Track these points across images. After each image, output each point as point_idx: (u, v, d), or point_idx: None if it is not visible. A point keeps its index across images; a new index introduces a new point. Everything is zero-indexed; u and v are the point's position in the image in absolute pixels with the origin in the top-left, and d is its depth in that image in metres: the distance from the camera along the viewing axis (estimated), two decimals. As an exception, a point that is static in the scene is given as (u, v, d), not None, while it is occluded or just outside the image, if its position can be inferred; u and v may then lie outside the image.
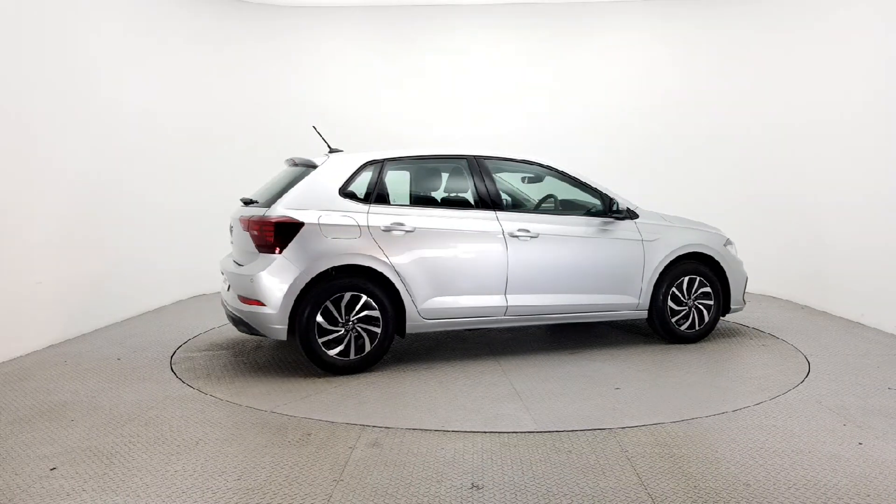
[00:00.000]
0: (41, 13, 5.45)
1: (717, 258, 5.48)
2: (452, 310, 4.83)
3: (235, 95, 8.25)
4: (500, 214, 4.99)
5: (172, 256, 7.40)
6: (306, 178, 4.75)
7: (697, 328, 5.46)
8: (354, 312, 4.57)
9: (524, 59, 8.51)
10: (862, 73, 6.28)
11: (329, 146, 5.36)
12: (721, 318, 5.71)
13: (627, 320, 5.81)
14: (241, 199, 5.13)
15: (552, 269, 5.04)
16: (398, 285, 4.64)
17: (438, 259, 4.77)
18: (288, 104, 8.39)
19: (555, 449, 3.33)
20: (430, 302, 4.76)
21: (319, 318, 4.49)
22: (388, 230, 4.67)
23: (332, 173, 4.77)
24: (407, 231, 4.71)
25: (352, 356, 4.59)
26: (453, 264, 4.82)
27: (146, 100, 7.05)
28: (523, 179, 5.59)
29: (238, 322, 4.75)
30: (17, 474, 3.06)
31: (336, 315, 4.54)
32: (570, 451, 3.29)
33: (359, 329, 4.60)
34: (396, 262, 4.64)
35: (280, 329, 4.46)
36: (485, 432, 3.56)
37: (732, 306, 5.58)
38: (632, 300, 5.26)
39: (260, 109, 8.35)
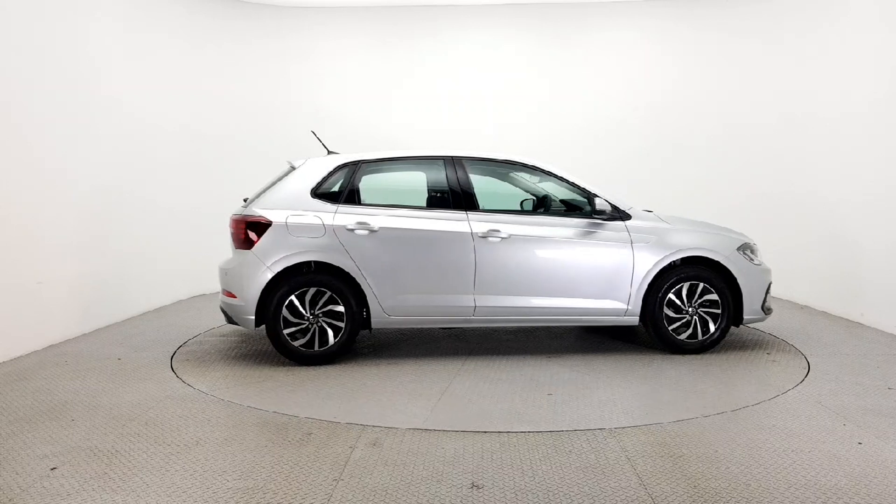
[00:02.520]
0: (41, 15, 5.45)
1: (724, 263, 5.04)
2: (418, 308, 4.94)
3: (236, 96, 8.24)
4: (472, 215, 4.98)
5: (173, 256, 7.41)
6: (283, 180, 5.09)
7: (701, 338, 5.08)
8: (319, 307, 4.83)
9: (524, 60, 8.50)
10: (862, 73, 6.27)
11: (328, 149, 5.50)
12: (736, 327, 5.31)
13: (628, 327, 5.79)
14: (244, 199, 5.30)
15: (524, 271, 4.96)
16: (361, 282, 4.84)
17: (403, 258, 4.91)
18: (289, 104, 8.39)
19: (555, 449, 3.33)
20: (395, 299, 4.89)
21: (285, 311, 4.78)
22: (352, 230, 4.85)
23: (306, 175, 5.04)
24: (371, 231, 4.86)
25: (316, 348, 4.85)
26: (418, 264, 4.92)
27: (146, 100, 7.04)
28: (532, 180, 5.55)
29: (224, 312, 5.12)
30: (17, 474, 3.06)
31: (301, 309, 4.82)
32: (570, 451, 3.29)
33: (323, 323, 4.85)
34: (360, 260, 4.83)
35: (250, 319, 4.84)
36: (485, 432, 3.56)
37: (746, 316, 5.09)
38: (619, 305, 5.00)
39: (260, 110, 8.35)
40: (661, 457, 3.22)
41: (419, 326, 5.09)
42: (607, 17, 8.38)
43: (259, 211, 4.91)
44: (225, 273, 5.03)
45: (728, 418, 3.76)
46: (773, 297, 7.37)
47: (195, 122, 7.86)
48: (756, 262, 5.22)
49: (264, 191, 5.12)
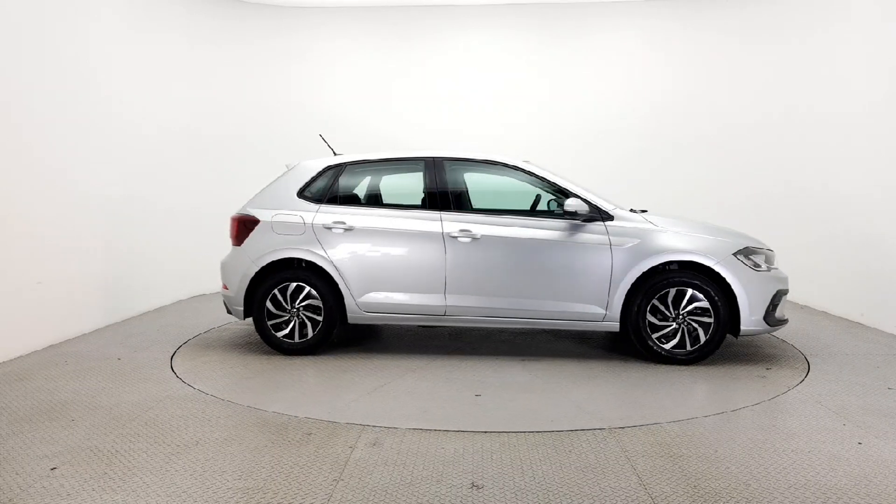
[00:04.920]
0: (41, 15, 5.45)
1: (717, 269, 4.69)
2: (389, 305, 5.06)
3: (237, 97, 8.25)
4: (446, 215, 5.04)
5: (173, 256, 7.41)
6: (276, 181, 5.41)
7: (690, 348, 4.77)
8: (299, 301, 5.12)
9: (524, 60, 8.50)
10: (862, 72, 6.28)
11: (334, 151, 5.68)
12: (735, 338, 5.05)
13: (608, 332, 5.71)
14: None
15: (495, 272, 4.91)
16: (336, 277, 5.07)
17: (375, 256, 5.08)
18: (289, 105, 8.40)
19: (555, 449, 3.33)
20: (367, 296, 5.07)
21: (268, 304, 5.12)
22: (329, 228, 5.09)
23: (295, 177, 5.35)
24: (346, 229, 5.08)
25: (296, 339, 5.15)
26: (389, 261, 5.06)
27: (146, 100, 7.05)
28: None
29: (224, 304, 5.47)
30: (17, 474, 3.06)
31: (283, 302, 5.13)
32: (570, 451, 3.29)
33: (303, 316, 5.13)
34: (334, 257, 5.07)
35: (239, 310, 5.23)
36: (485, 432, 3.56)
37: (744, 327, 4.70)
38: (595, 310, 4.82)
39: (261, 110, 8.36)
40: (661, 457, 3.22)
41: (392, 323, 5.14)
42: (607, 17, 8.38)
43: (251, 210, 5.27)
44: (223, 267, 5.37)
45: (728, 418, 3.76)
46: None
47: (195, 121, 7.86)
48: (762, 268, 4.80)
49: (261, 192, 5.42)
